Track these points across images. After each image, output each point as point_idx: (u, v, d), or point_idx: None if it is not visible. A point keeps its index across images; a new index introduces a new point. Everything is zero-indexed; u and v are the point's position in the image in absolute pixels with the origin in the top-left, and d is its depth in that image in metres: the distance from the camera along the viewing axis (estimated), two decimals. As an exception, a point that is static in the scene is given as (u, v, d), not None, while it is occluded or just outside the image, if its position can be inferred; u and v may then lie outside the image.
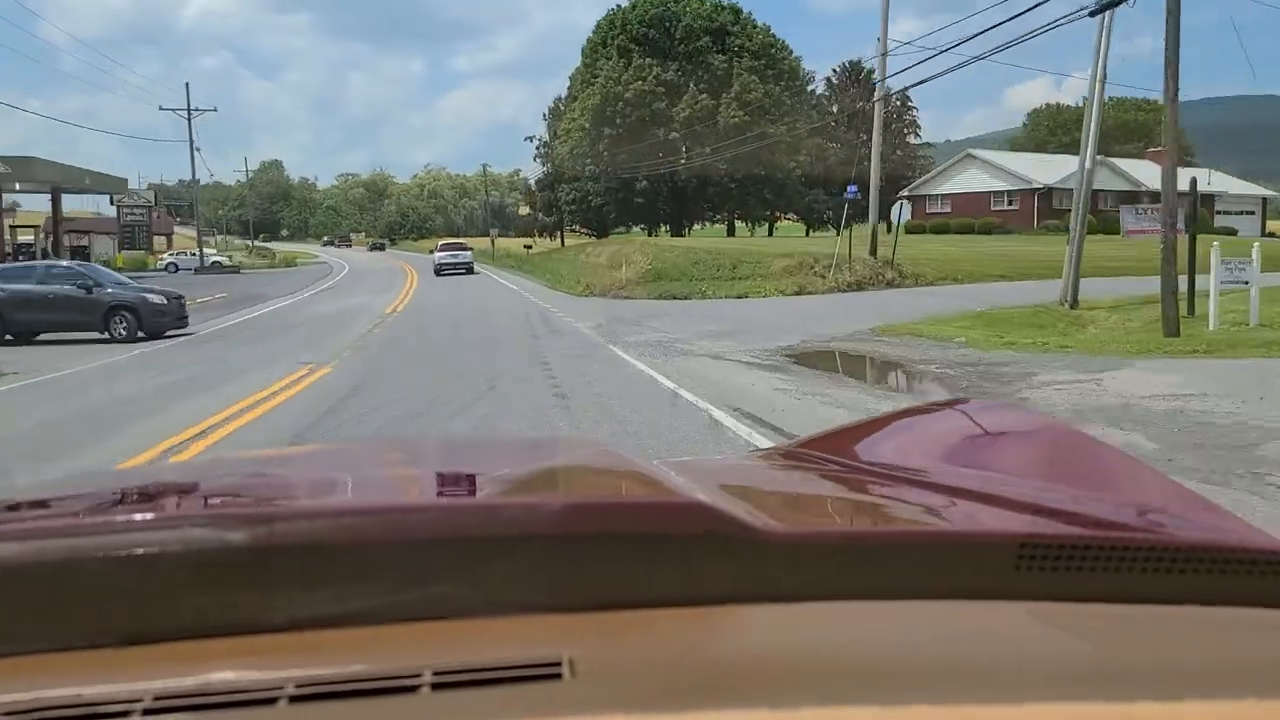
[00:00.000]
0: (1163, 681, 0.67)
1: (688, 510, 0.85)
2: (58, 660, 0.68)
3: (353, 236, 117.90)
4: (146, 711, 0.60)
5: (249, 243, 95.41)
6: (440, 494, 1.14)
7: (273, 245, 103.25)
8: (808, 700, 0.61)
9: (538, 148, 73.43)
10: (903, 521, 1.09)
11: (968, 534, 0.94)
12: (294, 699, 0.61)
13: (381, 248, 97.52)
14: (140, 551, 0.71)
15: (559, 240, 69.68)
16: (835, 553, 0.83)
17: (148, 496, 1.12)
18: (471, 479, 1.18)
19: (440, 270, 40.51)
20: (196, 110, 54.06)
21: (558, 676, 0.63)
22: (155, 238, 67.01)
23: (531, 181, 75.78)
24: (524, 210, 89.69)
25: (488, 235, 62.52)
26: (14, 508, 1.03)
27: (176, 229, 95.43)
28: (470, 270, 41.31)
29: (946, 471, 1.19)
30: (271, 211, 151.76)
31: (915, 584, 0.81)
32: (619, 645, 0.73)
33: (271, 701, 0.61)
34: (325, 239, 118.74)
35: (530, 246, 51.02)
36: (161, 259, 49.74)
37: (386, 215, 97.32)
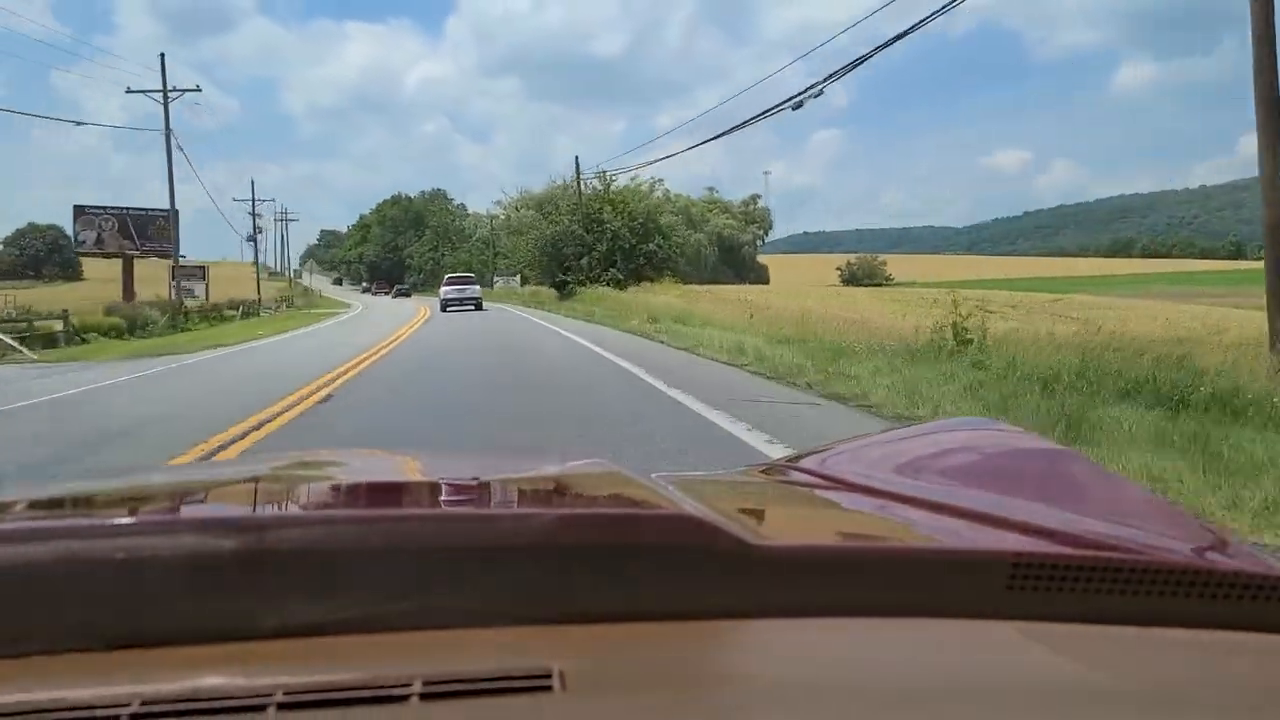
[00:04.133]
0: (1155, 705, 0.67)
1: (680, 523, 0.85)
2: (45, 663, 0.67)
3: (498, 281, 68.80)
4: (134, 716, 0.60)
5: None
6: (432, 503, 1.13)
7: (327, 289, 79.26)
8: (798, 716, 0.61)
9: None
10: (895, 538, 1.08)
11: (960, 552, 0.93)
12: (282, 706, 0.61)
13: (406, 294, 79.87)
14: (131, 556, 0.70)
15: None
16: (827, 568, 0.82)
17: (140, 500, 1.14)
18: (464, 489, 1.19)
19: (446, 306, 37.92)
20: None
21: (548, 688, 0.63)
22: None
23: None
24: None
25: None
26: (6, 508, 1.03)
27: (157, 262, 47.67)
28: (479, 307, 38.08)
29: (941, 489, 1.17)
30: (396, 248, 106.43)
31: (907, 601, 0.80)
32: (610, 658, 0.72)
33: (260, 709, 0.60)
34: (364, 285, 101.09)
35: None
36: None
37: (530, 243, 44.26)
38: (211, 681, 0.63)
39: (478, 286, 41.27)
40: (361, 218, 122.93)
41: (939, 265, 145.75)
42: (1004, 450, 1.38)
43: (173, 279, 47.15)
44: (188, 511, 1.04)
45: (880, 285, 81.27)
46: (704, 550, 0.78)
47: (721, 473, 1.69)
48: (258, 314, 48.53)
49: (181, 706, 0.61)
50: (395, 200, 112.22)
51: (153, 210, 48.83)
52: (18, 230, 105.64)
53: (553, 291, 44.38)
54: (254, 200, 58.43)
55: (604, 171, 45.12)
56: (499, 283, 69.37)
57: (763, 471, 1.57)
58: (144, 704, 0.60)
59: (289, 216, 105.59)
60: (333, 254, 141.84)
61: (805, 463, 1.43)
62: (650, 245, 42.38)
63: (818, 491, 1.29)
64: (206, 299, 46.44)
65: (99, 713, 0.60)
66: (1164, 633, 0.81)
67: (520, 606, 0.75)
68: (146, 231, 47.90)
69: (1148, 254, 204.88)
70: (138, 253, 47.85)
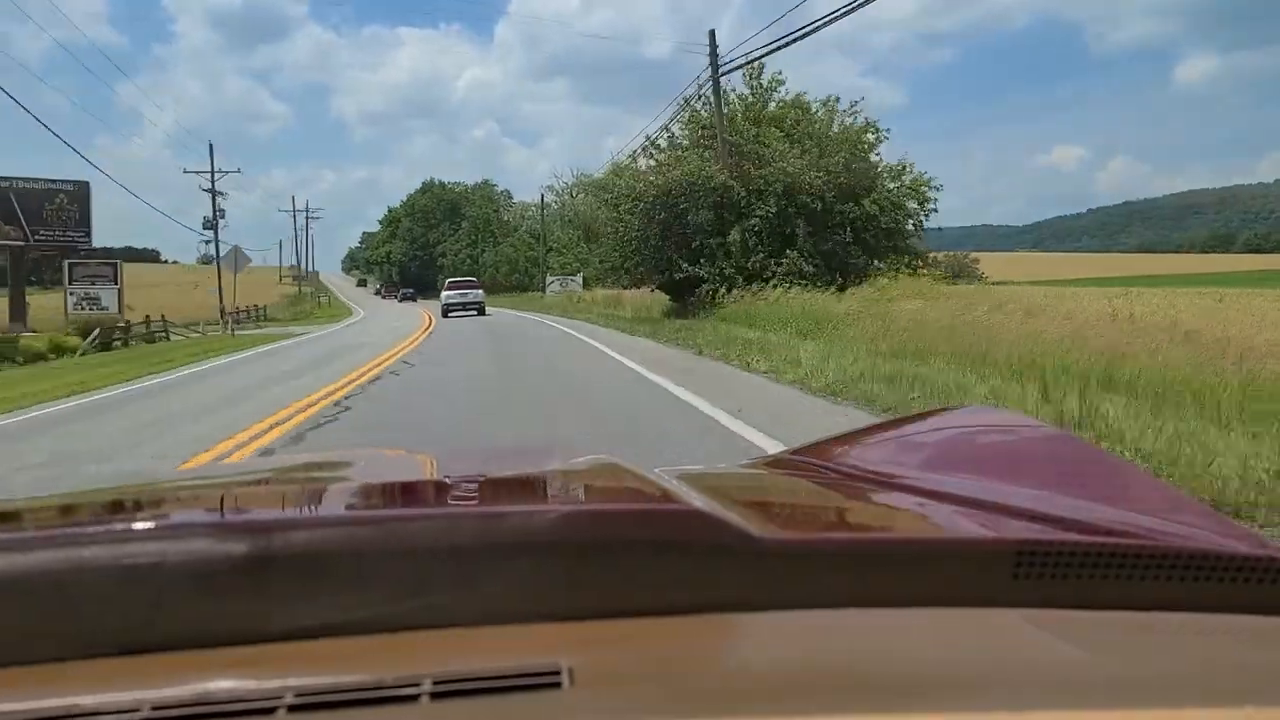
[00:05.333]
0: (1162, 689, 0.67)
1: (686, 518, 0.86)
2: (55, 670, 0.68)
3: (552, 283, 53.17)
4: None
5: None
6: (439, 502, 1.14)
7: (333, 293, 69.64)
8: (806, 709, 0.61)
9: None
10: (900, 529, 1.09)
11: (965, 541, 0.93)
12: (293, 708, 0.61)
13: (411, 298, 76.12)
14: (139, 561, 0.71)
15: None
16: (833, 560, 0.83)
17: (148, 505, 1.15)
18: (470, 487, 1.19)
19: (448, 311, 38.07)
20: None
21: (557, 685, 0.63)
22: None
23: None
24: None
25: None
26: (14, 516, 1.04)
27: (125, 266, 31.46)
28: (481, 311, 38.51)
29: (945, 479, 1.17)
30: (427, 244, 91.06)
31: (913, 591, 0.81)
32: (618, 654, 0.72)
33: (270, 711, 0.61)
34: (376, 288, 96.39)
35: None
36: None
37: (625, 205, 23.38)
38: (222, 685, 0.63)
39: (480, 291, 41.33)
40: (390, 211, 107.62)
41: (1016, 263, 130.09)
42: (1009, 437, 1.38)
43: (69, 281, 31.73)
44: (195, 515, 1.05)
45: (974, 284, 65.46)
46: (711, 545, 0.78)
47: (724, 466, 1.63)
48: (168, 337, 30.39)
49: (192, 710, 0.60)
50: (426, 189, 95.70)
51: (54, 183, 33.26)
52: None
53: (661, 297, 25.87)
54: (214, 173, 41.19)
55: (755, 62, 24.10)
56: (554, 286, 52.85)
57: (766, 464, 1.58)
58: (155, 709, 0.60)
59: (312, 213, 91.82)
60: (368, 255, 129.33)
61: (808, 454, 1.42)
62: (865, 206, 22.15)
63: (821, 483, 1.29)
64: (119, 308, 30.72)
65: (110, 718, 0.60)
66: (1170, 617, 0.81)
67: (528, 603, 0.74)
68: (41, 213, 32.50)
69: (1251, 249, 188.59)
70: (28, 243, 32.76)
